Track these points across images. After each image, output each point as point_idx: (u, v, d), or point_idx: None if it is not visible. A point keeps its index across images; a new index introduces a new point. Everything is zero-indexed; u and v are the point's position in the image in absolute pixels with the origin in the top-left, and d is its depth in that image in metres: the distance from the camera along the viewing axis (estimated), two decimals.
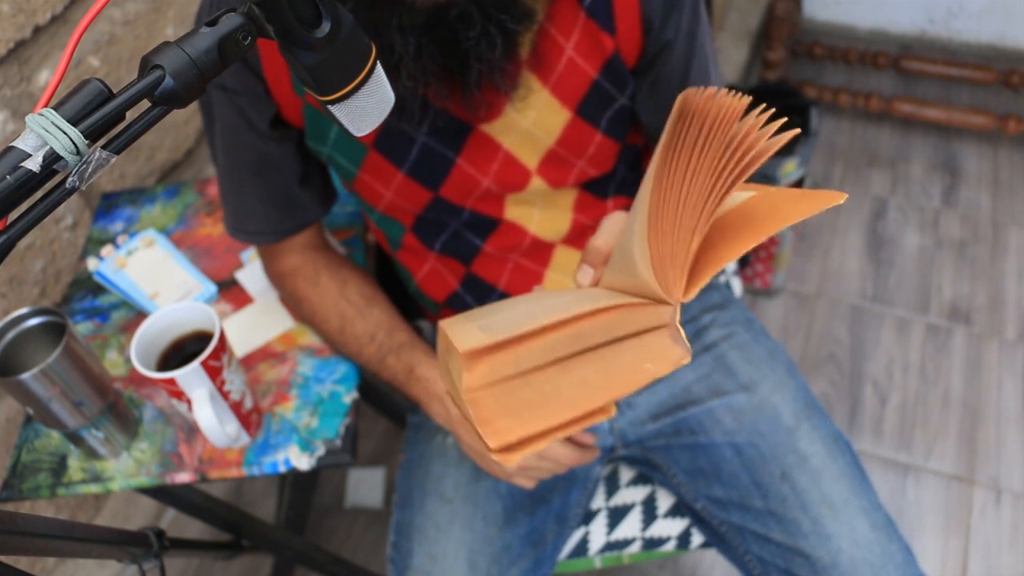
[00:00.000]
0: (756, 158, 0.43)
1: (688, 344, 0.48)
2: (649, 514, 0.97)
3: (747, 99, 0.44)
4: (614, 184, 0.86)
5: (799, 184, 1.75)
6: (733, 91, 0.45)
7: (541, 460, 0.80)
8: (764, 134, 0.44)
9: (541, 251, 0.87)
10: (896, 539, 0.81)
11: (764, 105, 0.44)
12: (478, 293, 0.89)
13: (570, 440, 0.79)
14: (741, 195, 0.52)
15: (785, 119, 0.44)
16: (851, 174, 2.02)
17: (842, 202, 0.46)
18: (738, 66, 2.10)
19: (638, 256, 0.49)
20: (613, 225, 0.62)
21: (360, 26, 0.65)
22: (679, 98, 0.47)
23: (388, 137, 0.76)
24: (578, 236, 0.87)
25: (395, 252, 0.92)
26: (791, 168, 1.68)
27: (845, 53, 2.16)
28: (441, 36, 0.65)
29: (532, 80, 0.73)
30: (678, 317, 0.48)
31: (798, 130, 0.45)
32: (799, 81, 2.13)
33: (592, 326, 0.48)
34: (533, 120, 0.75)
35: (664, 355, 0.48)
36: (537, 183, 0.80)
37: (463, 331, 0.53)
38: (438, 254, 0.88)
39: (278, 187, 0.82)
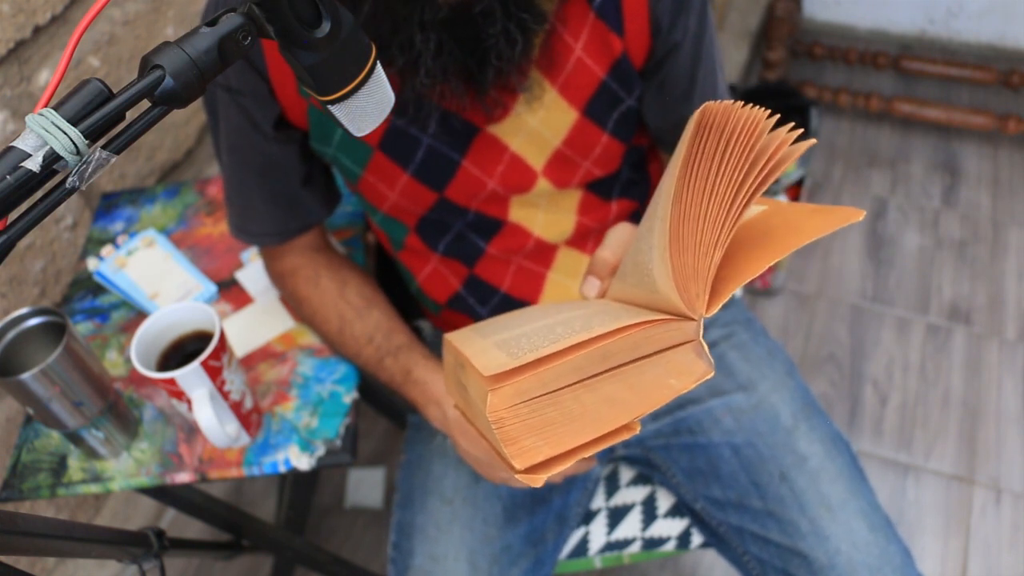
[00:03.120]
0: (776, 167, 0.44)
1: (711, 359, 0.48)
2: (649, 514, 0.97)
3: (767, 111, 0.45)
4: (618, 185, 0.86)
5: (799, 184, 1.75)
6: (751, 104, 0.45)
7: None
8: (783, 142, 0.44)
9: (544, 253, 0.87)
10: (894, 540, 0.81)
11: (779, 115, 0.45)
12: (480, 294, 0.89)
13: None
14: (754, 208, 0.52)
15: (794, 126, 0.45)
16: (851, 174, 2.02)
17: (860, 220, 0.46)
18: (738, 66, 2.10)
19: (658, 271, 0.49)
20: (620, 236, 0.62)
21: (380, 22, 0.65)
22: (697, 111, 0.47)
23: (394, 138, 0.76)
24: (581, 238, 0.86)
25: (397, 252, 0.92)
26: (791, 168, 1.68)
27: (845, 53, 2.16)
28: (462, 33, 0.65)
29: (540, 79, 0.73)
30: (701, 332, 0.48)
31: (813, 140, 0.45)
32: (799, 81, 2.13)
33: (618, 345, 0.48)
34: (540, 119, 0.75)
35: (688, 370, 0.49)
36: (543, 184, 0.80)
37: (481, 351, 0.53)
38: (441, 255, 0.88)
39: (282, 188, 0.82)
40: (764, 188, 0.44)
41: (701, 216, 0.45)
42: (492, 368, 0.48)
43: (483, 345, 0.54)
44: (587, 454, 0.48)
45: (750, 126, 0.44)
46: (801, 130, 0.45)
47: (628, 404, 0.49)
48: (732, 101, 0.46)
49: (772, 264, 0.46)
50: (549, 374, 0.48)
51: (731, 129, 0.45)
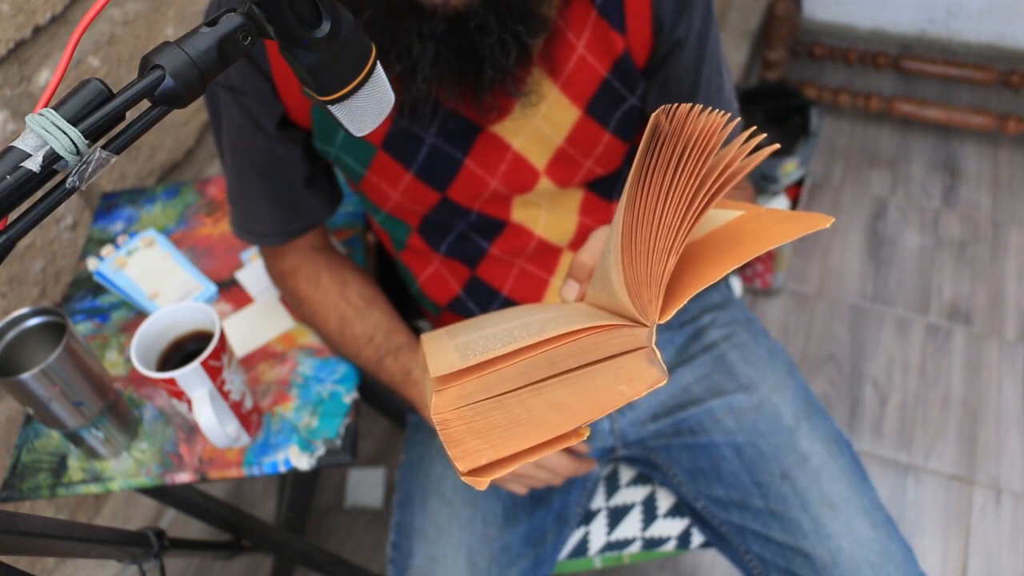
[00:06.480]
0: (735, 173, 0.43)
1: (664, 366, 0.47)
2: (649, 514, 0.97)
3: (724, 115, 0.44)
4: (620, 186, 0.86)
5: (799, 184, 1.75)
6: (709, 109, 0.45)
7: (537, 469, 0.80)
8: (741, 152, 0.43)
9: (548, 256, 0.86)
10: (896, 538, 0.81)
11: (739, 120, 0.44)
12: (481, 298, 0.89)
13: (567, 450, 0.79)
14: (727, 214, 0.52)
15: (755, 131, 0.44)
16: (851, 174, 2.02)
17: (828, 227, 0.45)
18: (738, 66, 2.10)
19: (614, 277, 0.49)
20: (600, 239, 0.62)
21: (379, 32, 0.66)
22: (652, 117, 0.47)
23: (397, 138, 0.76)
24: (584, 240, 0.86)
25: (399, 253, 0.92)
26: (791, 168, 1.68)
27: (845, 53, 2.16)
28: (459, 44, 0.66)
29: (542, 77, 0.73)
30: (654, 339, 0.47)
31: (776, 145, 0.44)
32: (799, 81, 2.13)
33: (566, 350, 0.48)
34: (542, 117, 0.75)
35: (639, 377, 0.48)
36: (545, 183, 0.80)
37: (439, 350, 0.53)
38: (443, 256, 0.88)
39: (285, 188, 0.82)
40: (722, 194, 0.43)
41: (655, 222, 0.45)
42: (440, 370, 0.48)
43: (445, 346, 0.54)
44: (532, 459, 0.47)
45: (707, 132, 0.44)
46: (764, 135, 0.43)
47: (575, 410, 0.48)
48: (689, 106, 0.45)
49: (736, 267, 0.45)
50: (493, 378, 0.47)
51: (688, 135, 0.44)
